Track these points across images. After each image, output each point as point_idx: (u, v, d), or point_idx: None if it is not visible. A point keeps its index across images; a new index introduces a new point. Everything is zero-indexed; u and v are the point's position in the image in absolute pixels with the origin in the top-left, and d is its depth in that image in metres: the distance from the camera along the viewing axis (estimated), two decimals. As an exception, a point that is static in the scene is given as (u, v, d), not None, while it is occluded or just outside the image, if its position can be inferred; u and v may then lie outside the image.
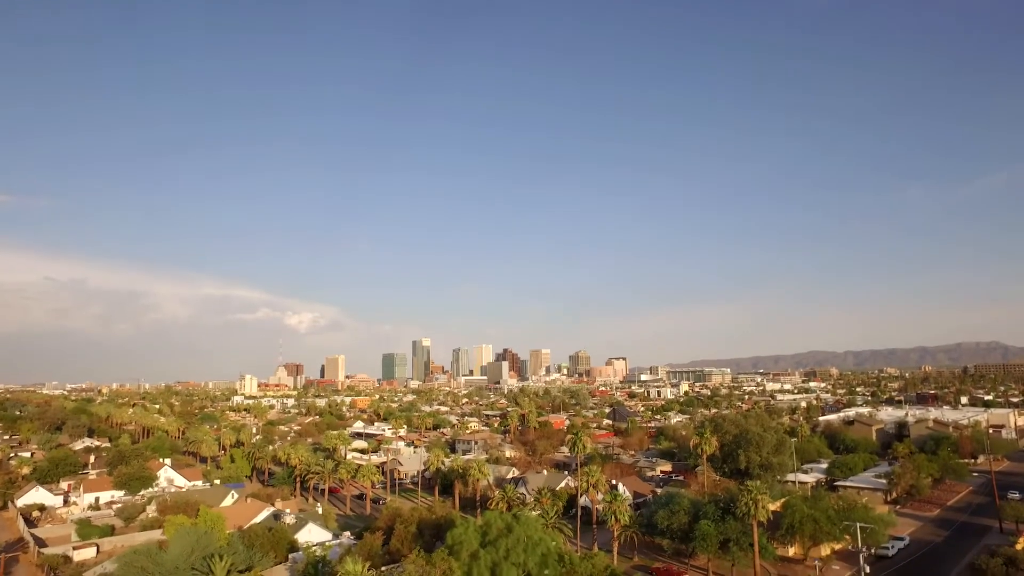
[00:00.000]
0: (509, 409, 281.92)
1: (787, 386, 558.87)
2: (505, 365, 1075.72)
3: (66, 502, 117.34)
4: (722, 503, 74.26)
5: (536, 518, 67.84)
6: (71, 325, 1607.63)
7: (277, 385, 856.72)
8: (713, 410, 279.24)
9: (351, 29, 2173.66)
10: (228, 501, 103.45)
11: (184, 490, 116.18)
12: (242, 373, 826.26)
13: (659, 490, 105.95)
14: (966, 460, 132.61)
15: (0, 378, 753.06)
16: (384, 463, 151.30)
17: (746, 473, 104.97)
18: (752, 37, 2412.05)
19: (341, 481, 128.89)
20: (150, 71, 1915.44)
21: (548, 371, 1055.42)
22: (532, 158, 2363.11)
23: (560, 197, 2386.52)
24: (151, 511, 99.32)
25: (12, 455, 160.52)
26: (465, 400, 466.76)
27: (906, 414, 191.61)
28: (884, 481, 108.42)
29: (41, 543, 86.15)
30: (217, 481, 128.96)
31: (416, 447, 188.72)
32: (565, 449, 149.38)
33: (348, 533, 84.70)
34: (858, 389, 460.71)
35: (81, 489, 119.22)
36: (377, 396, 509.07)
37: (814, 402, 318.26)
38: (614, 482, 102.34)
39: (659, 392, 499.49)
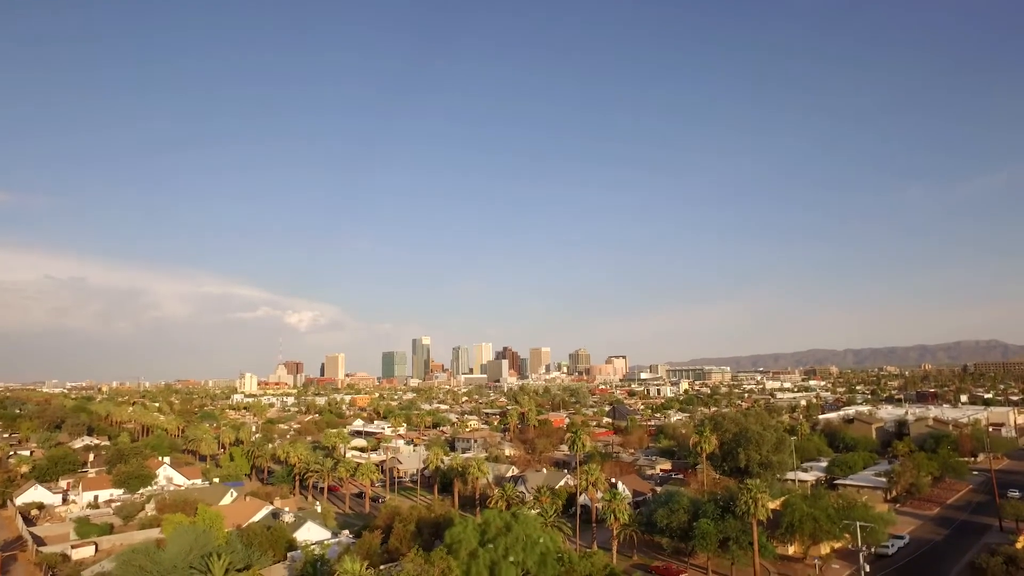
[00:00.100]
0: (509, 407, 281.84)
1: (787, 384, 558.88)
2: (505, 363, 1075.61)
3: (65, 500, 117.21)
4: (722, 502, 74.13)
5: (535, 517, 67.68)
6: (71, 323, 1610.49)
7: (277, 383, 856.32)
8: (713, 408, 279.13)
9: (351, 28, 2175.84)
10: (227, 499, 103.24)
11: (183, 488, 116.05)
12: (242, 371, 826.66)
13: (659, 488, 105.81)
14: (966, 458, 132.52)
15: (0, 376, 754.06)
16: (383, 461, 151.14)
17: (746, 471, 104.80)
18: (752, 37, 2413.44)
19: (340, 479, 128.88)
20: (150, 70, 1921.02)
21: (548, 369, 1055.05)
22: (532, 157, 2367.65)
23: (560, 196, 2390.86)
24: (150, 509, 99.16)
25: (11, 453, 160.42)
26: (465, 398, 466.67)
27: (906, 412, 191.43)
28: (884, 479, 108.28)
29: (40, 542, 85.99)
30: (216, 479, 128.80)
31: (415, 445, 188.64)
32: (565, 447, 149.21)
33: (347, 532, 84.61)
34: (858, 387, 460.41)
35: (80, 487, 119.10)
36: (377, 394, 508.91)
37: (814, 400, 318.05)
38: (613, 480, 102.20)
39: (659, 390, 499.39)
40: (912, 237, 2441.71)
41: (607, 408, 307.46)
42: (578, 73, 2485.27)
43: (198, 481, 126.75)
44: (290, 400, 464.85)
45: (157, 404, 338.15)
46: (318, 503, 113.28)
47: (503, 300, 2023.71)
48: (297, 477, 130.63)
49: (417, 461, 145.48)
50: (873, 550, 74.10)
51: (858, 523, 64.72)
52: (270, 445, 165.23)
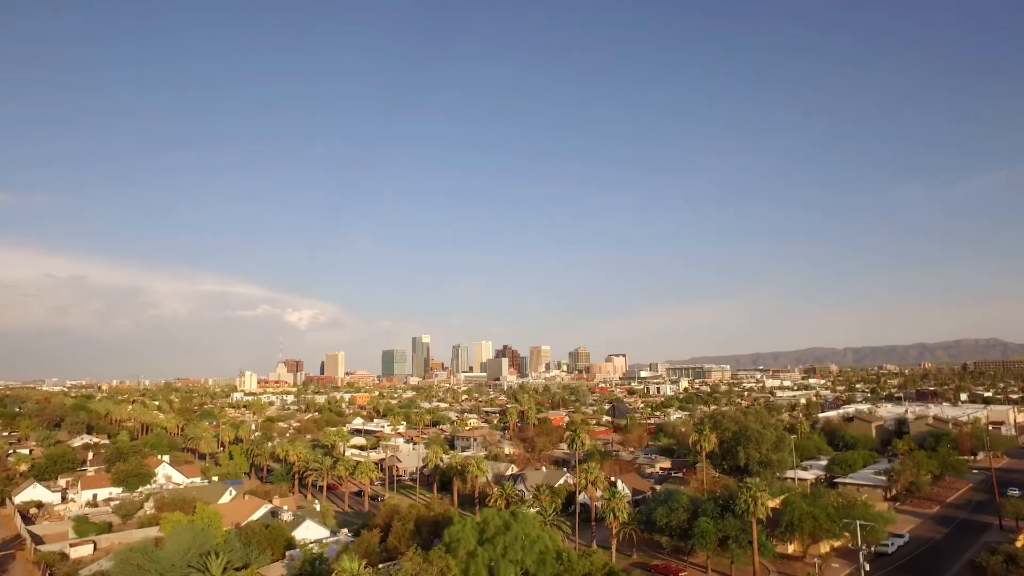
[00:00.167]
0: (508, 406, 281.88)
1: (787, 383, 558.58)
2: (505, 362, 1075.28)
3: (64, 499, 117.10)
4: (721, 500, 74.00)
5: (534, 515, 67.51)
6: (71, 322, 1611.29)
7: (277, 382, 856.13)
8: (712, 407, 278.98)
9: (351, 28, 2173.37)
10: (226, 498, 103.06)
11: (182, 487, 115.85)
12: (242, 370, 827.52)
13: (658, 487, 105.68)
14: (966, 457, 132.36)
15: (0, 375, 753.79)
16: (383, 460, 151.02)
17: (745, 470, 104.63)
18: (752, 37, 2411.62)
19: (339, 478, 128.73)
20: (150, 70, 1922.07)
21: (548, 368, 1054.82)
22: (532, 156, 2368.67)
23: (560, 195, 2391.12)
24: (149, 508, 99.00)
25: (11, 452, 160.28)
26: (464, 397, 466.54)
27: (906, 411, 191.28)
28: (884, 478, 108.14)
29: (38, 540, 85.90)
30: (215, 478, 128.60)
31: (415, 444, 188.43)
32: (564, 446, 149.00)
33: (346, 530, 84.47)
34: (858, 386, 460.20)
35: (79, 486, 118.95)
36: (377, 393, 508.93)
37: (813, 399, 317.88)
38: (613, 479, 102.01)
39: (659, 389, 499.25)
40: (912, 236, 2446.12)
41: (607, 406, 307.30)
42: (578, 73, 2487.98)
43: (197, 479, 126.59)
44: (290, 398, 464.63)
45: (157, 402, 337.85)
46: (317, 501, 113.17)
47: (503, 298, 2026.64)
48: (296, 475, 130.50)
49: (416, 459, 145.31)
50: (873, 549, 73.96)
51: (858, 522, 64.56)
52: (269, 443, 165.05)
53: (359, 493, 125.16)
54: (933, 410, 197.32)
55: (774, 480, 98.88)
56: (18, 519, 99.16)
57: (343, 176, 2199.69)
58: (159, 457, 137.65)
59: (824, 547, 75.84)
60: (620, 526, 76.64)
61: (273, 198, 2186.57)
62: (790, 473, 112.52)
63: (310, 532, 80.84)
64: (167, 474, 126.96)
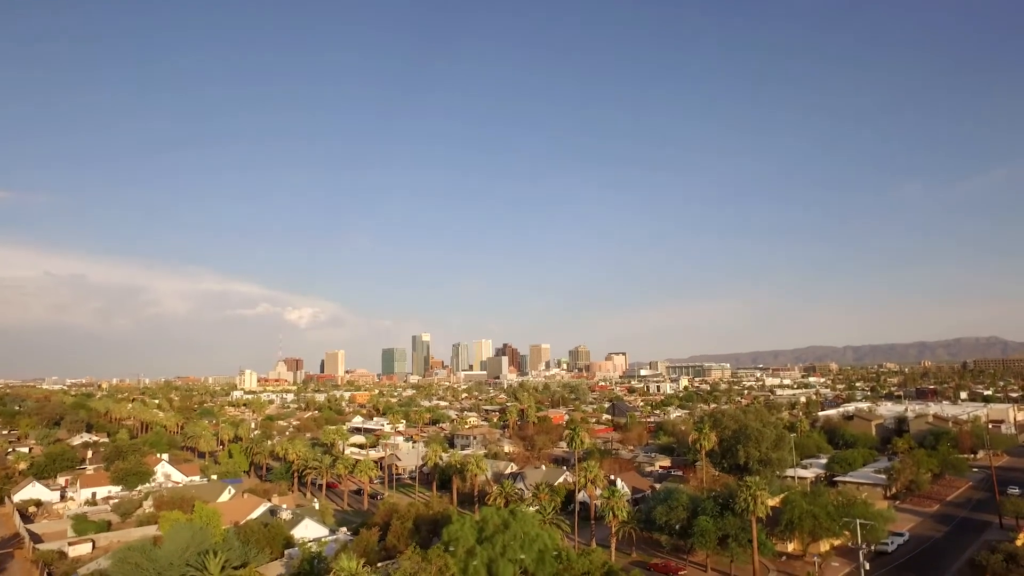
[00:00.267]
0: (508, 404, 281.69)
1: (786, 381, 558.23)
2: (505, 360, 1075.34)
3: (63, 497, 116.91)
4: (721, 499, 73.83)
5: (533, 514, 67.31)
6: (71, 320, 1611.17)
7: (277, 380, 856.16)
8: (712, 405, 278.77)
9: (351, 27, 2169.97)
10: (225, 496, 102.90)
11: (181, 485, 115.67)
12: (242, 368, 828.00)
13: (658, 485, 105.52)
14: (965, 455, 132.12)
15: (0, 373, 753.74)
16: (382, 458, 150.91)
17: (745, 468, 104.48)
18: (752, 36, 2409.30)
19: (339, 476, 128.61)
20: (150, 70, 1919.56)
21: (548, 366, 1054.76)
22: (532, 155, 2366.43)
23: (560, 194, 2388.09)
24: (148, 507, 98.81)
25: (10, 450, 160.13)
26: (464, 395, 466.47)
27: (905, 409, 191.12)
28: (884, 476, 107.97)
29: (37, 539, 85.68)
30: (214, 476, 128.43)
31: (414, 442, 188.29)
32: (564, 444, 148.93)
33: (345, 529, 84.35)
34: (857, 384, 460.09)
35: (78, 484, 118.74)
36: (376, 391, 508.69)
37: (813, 397, 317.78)
38: (612, 477, 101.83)
39: (658, 387, 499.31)
40: (912, 235, 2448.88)
41: (606, 405, 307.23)
42: (578, 72, 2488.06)
43: (196, 478, 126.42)
44: (290, 397, 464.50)
45: (156, 401, 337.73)
46: (316, 500, 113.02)
47: (503, 297, 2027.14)
48: (296, 474, 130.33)
49: (416, 458, 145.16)
50: (873, 547, 73.81)
51: (858, 520, 64.38)
52: (269, 442, 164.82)
53: (358, 491, 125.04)
54: (933, 408, 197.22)
55: (774, 479, 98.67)
56: (17, 517, 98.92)
57: (343, 175, 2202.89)
58: (158, 456, 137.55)
59: (824, 546, 75.69)
60: (619, 525, 76.48)
61: (273, 197, 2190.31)
62: (790, 471, 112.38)
63: (309, 531, 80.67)
64: (166, 472, 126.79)
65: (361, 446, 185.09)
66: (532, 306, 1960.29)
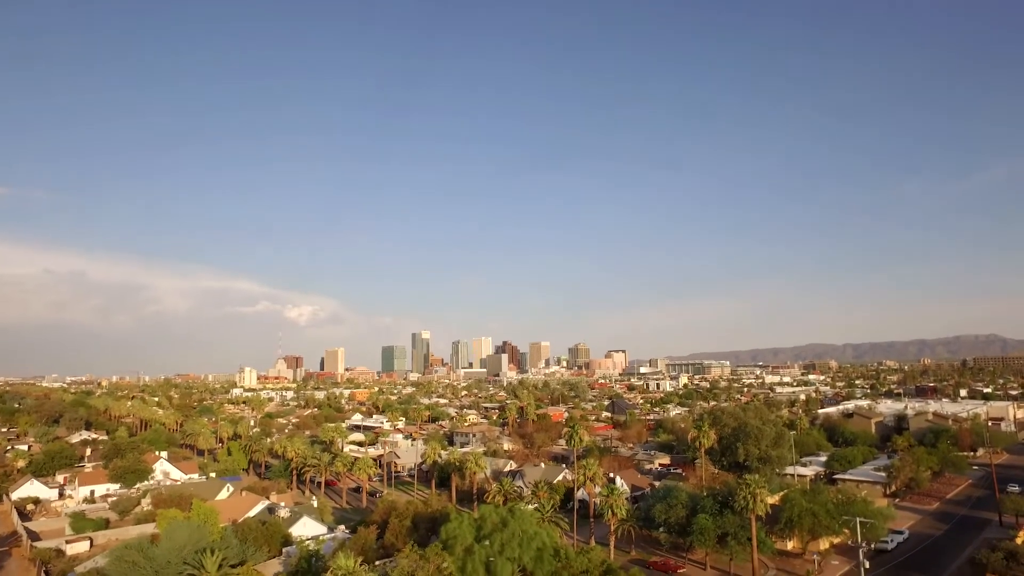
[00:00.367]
0: (508, 402, 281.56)
1: (786, 379, 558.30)
2: (504, 358, 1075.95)
3: (61, 495, 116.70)
4: (720, 497, 73.60)
5: (532, 512, 67.08)
6: (70, 318, 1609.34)
7: (276, 378, 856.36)
8: (712, 403, 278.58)
9: (352, 23, 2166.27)
10: (223, 494, 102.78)
11: (179, 483, 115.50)
12: (241, 366, 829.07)
13: (657, 483, 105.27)
14: (965, 453, 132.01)
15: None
16: (381, 456, 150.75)
17: (744, 466, 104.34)
18: (752, 33, 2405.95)
19: (338, 474, 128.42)
20: (150, 65, 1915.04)
21: (547, 363, 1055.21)
22: (532, 152, 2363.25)
23: (560, 190, 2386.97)
24: (146, 504, 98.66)
25: (9, 448, 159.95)
26: (464, 392, 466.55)
27: (905, 407, 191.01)
28: (883, 474, 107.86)
29: (34, 537, 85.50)
30: (213, 474, 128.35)
31: (414, 440, 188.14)
32: (563, 442, 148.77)
33: (343, 527, 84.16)
34: (857, 382, 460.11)
35: (76, 482, 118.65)
36: (376, 389, 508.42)
37: (813, 395, 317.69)
38: (612, 475, 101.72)
39: (658, 385, 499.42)
40: (911, 232, 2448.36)
41: (606, 402, 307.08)
42: (578, 70, 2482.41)
43: (195, 476, 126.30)
44: (289, 394, 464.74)
45: (156, 398, 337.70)
46: (315, 498, 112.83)
47: (503, 295, 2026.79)
48: (294, 472, 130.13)
49: (415, 455, 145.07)
50: (872, 545, 73.59)
51: (857, 518, 64.11)
52: (268, 440, 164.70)
53: (357, 489, 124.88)
54: (933, 406, 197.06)
55: (773, 476, 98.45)
56: (15, 515, 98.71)
57: (343, 172, 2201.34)
58: (157, 453, 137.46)
59: (824, 544, 75.57)
60: (618, 523, 76.25)
61: (273, 194, 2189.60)
62: (789, 469, 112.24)
63: (307, 529, 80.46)
64: (165, 470, 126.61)
65: (360, 444, 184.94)
66: (532, 304, 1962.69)
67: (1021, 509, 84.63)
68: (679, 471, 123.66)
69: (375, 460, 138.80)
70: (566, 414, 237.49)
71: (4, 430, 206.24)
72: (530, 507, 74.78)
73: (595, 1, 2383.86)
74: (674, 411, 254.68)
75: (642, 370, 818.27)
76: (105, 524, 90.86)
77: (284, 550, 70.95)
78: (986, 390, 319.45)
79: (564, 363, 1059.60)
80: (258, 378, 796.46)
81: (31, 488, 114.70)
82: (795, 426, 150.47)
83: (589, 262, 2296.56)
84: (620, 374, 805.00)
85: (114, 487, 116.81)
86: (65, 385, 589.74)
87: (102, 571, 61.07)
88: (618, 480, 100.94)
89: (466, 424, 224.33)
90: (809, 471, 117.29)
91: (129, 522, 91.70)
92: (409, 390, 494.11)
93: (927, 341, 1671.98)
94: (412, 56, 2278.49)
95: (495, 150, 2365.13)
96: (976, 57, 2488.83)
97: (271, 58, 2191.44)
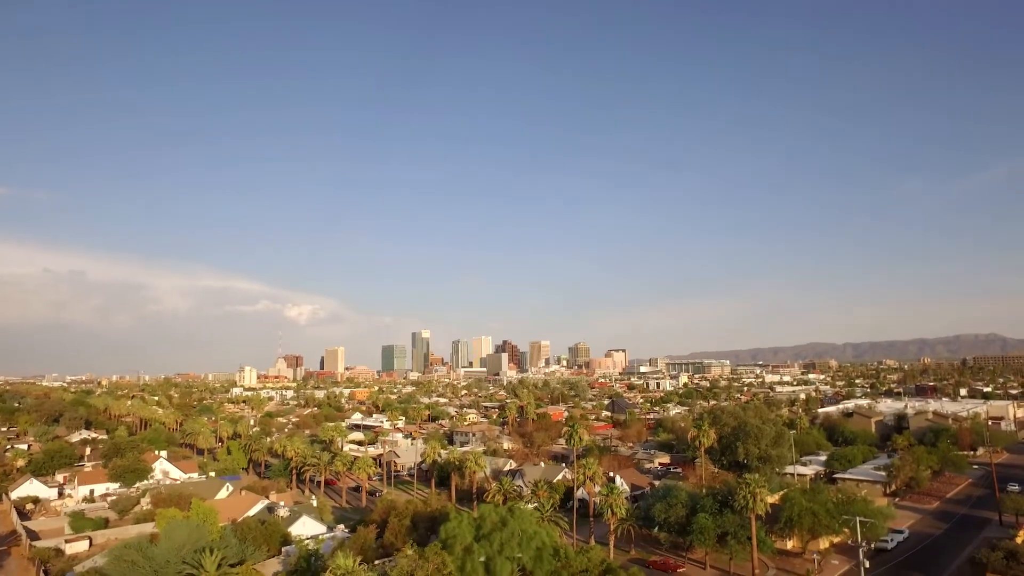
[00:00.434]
0: (508, 401, 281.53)
1: (786, 378, 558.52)
2: (504, 357, 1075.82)
3: (61, 495, 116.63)
4: (720, 496, 73.50)
5: (531, 511, 67.01)
6: (70, 317, 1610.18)
7: (276, 377, 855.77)
8: (712, 402, 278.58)
9: (352, 23, 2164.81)
10: (223, 494, 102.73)
11: (179, 483, 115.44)
12: (242, 365, 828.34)
13: (657, 482, 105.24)
14: (965, 452, 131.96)
15: (0, 370, 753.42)
16: (381, 455, 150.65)
17: (744, 465, 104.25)
18: (752, 33, 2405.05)
19: (337, 473, 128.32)
20: (150, 65, 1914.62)
21: (547, 363, 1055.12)
22: (532, 150, 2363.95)
23: (560, 190, 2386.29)
24: (145, 504, 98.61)
25: (9, 447, 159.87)
26: (464, 392, 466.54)
27: (905, 406, 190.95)
28: (883, 473, 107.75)
29: (34, 536, 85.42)
30: (212, 473, 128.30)
31: (413, 439, 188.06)
32: (563, 441, 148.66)
33: (342, 526, 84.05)
34: (857, 381, 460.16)
35: (76, 481, 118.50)
36: (376, 388, 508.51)
37: (813, 394, 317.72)
38: (611, 474, 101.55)
39: (658, 384, 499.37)
40: (911, 231, 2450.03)
41: (606, 401, 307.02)
42: (577, 69, 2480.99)
43: (194, 475, 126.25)
44: (289, 394, 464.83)
45: (156, 398, 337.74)
46: (314, 497, 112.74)
47: (503, 294, 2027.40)
48: (294, 471, 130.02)
49: (415, 455, 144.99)
50: (872, 545, 73.46)
51: (857, 518, 64.04)
52: (268, 439, 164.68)
53: (357, 488, 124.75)
54: (932, 405, 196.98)
55: (773, 476, 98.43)
56: (14, 515, 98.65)
57: (343, 171, 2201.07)
58: (157, 453, 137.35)
59: (823, 543, 75.48)
60: (618, 522, 76.13)
61: (273, 194, 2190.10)
62: (789, 469, 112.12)
63: (306, 528, 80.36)
64: (164, 470, 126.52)
65: (360, 443, 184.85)
66: (532, 303, 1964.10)
67: (1021, 508, 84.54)
68: (679, 470, 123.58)
69: (375, 459, 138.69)
70: (566, 413, 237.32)
71: (4, 429, 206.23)
72: (530, 506, 74.72)
73: (595, 1, 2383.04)
74: (674, 410, 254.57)
75: (642, 369, 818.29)
76: (104, 523, 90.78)
77: (283, 549, 70.83)
78: (986, 389, 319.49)
79: (564, 362, 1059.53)
80: (258, 377, 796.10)
81: (30, 487, 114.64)
82: (795, 425, 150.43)
83: (589, 262, 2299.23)
84: (620, 373, 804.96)
85: (113, 486, 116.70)
86: (65, 384, 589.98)
87: (101, 570, 60.98)
88: (618, 479, 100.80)
89: (466, 423, 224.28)
90: (809, 470, 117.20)
91: (128, 521, 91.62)
92: (409, 389, 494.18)
93: (927, 340, 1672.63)
94: (412, 56, 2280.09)
95: (495, 150, 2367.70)
96: (976, 57, 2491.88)
97: (271, 58, 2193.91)
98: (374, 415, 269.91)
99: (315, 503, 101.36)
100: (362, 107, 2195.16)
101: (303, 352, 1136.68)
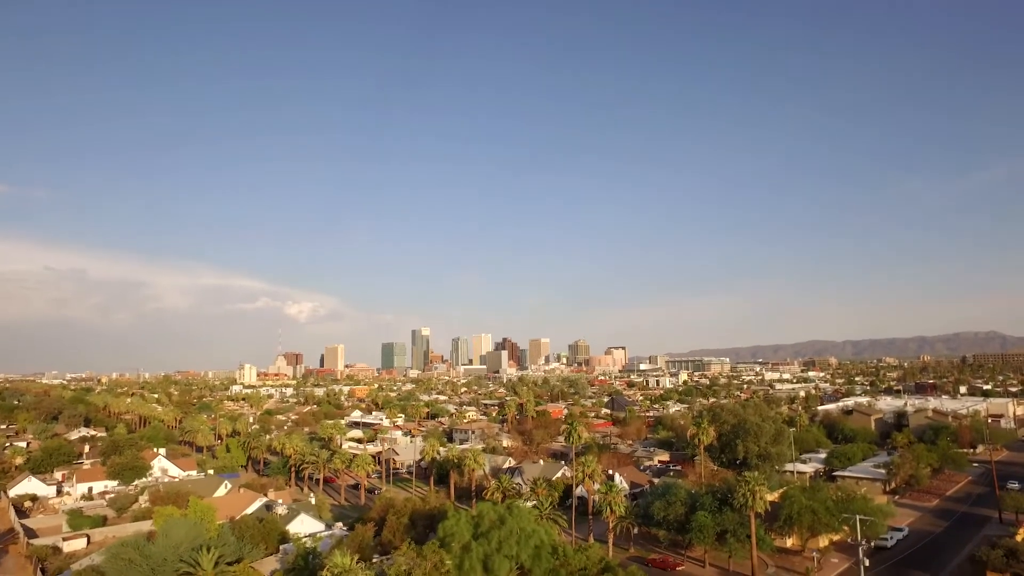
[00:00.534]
0: (507, 398, 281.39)
1: (786, 376, 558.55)
2: (504, 354, 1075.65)
3: (59, 492, 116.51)
4: (719, 494, 73.30)
5: (530, 509, 66.75)
6: (71, 315, 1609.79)
7: (276, 374, 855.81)
8: (712, 399, 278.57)
9: (352, 23, 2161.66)
10: (221, 491, 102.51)
11: (177, 480, 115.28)
12: (241, 363, 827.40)
13: (656, 480, 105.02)
14: (965, 450, 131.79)
15: (0, 367, 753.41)
16: (380, 453, 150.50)
17: (744, 463, 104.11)
18: (752, 32, 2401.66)
19: (336, 471, 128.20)
20: (150, 64, 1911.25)
21: (547, 360, 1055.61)
22: (532, 149, 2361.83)
23: (560, 188, 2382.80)
24: (143, 501, 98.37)
25: (7, 444, 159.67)
26: (464, 389, 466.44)
27: (905, 404, 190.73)
28: (883, 471, 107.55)
29: (31, 534, 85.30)
30: (211, 471, 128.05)
31: (412, 437, 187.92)
32: (562, 439, 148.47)
33: (341, 524, 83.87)
34: (857, 379, 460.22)
35: (74, 479, 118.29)
36: (376, 385, 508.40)
37: (813, 392, 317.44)
38: (611, 472, 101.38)
39: (658, 381, 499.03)
40: (911, 230, 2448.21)
41: (606, 399, 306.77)
42: (577, 68, 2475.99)
43: (193, 473, 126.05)
44: (289, 391, 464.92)
45: (156, 395, 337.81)
46: (313, 495, 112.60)
47: (503, 291, 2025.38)
48: (293, 468, 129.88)
49: (414, 452, 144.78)
50: (872, 543, 73.27)
51: (857, 516, 63.83)
52: (267, 436, 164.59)
53: (356, 486, 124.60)
54: (932, 403, 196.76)
55: (773, 473, 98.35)
56: (12, 512, 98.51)
57: (343, 170, 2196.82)
58: (155, 450, 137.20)
59: (823, 541, 75.31)
60: (617, 520, 75.99)
61: (273, 192, 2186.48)
62: (789, 466, 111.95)
63: (304, 526, 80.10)
64: (163, 467, 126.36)
65: (359, 441, 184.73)
66: (532, 301, 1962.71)
67: (1021, 506, 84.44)
68: (678, 468, 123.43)
69: (374, 457, 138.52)
70: (565, 411, 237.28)
71: (3, 427, 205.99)
72: (528, 504, 74.55)
73: (595, 1, 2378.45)
74: (673, 408, 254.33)
75: (642, 367, 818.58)
76: (102, 521, 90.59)
77: (281, 547, 70.58)
78: (986, 387, 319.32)
79: (564, 360, 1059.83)
80: (258, 375, 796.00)
81: (29, 485, 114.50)
82: (795, 423, 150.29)
83: (589, 260, 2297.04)
84: (620, 371, 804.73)
85: (112, 484, 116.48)
86: (65, 382, 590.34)
87: (98, 568, 60.74)
88: (617, 477, 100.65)
89: (465, 421, 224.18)
90: (809, 468, 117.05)
91: (126, 519, 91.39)
92: (409, 387, 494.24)
93: (927, 338, 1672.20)
94: (412, 56, 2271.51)
95: (495, 150, 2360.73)
96: (976, 57, 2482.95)
97: (271, 58, 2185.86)
98: (373, 413, 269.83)
99: (313, 501, 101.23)
100: (362, 107, 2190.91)
101: (303, 350, 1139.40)
